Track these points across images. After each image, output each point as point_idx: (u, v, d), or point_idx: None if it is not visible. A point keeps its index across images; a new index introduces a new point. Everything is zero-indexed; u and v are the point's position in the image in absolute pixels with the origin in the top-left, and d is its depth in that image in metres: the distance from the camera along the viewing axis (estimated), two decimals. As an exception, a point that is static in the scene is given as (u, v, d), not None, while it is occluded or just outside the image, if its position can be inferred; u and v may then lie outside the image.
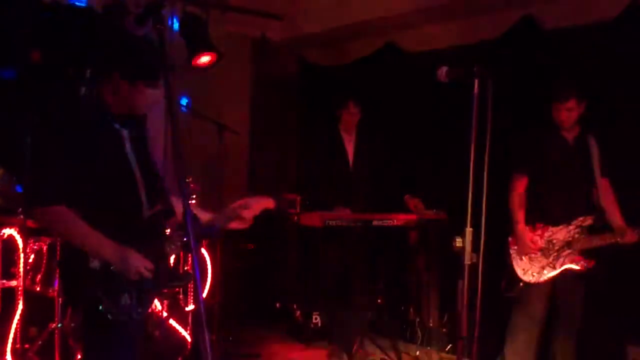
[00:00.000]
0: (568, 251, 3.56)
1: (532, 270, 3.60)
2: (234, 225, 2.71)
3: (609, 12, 3.95)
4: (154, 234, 2.47)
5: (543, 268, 3.59)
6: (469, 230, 2.59)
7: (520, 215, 3.64)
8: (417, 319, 4.91)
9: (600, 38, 4.03)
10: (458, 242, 2.82)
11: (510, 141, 3.80)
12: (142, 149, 2.51)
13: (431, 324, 4.86)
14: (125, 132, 2.44)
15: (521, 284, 3.61)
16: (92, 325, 2.38)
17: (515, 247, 3.65)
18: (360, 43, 5.62)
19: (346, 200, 4.48)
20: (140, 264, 2.33)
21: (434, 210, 4.38)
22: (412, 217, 4.33)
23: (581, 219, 3.57)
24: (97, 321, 2.33)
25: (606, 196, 3.63)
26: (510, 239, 3.68)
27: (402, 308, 5.05)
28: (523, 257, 3.63)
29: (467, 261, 2.57)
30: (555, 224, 3.61)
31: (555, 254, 3.58)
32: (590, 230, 3.57)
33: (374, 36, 5.43)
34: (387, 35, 5.32)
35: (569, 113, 3.57)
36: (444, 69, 2.75)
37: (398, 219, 4.28)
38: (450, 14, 4.79)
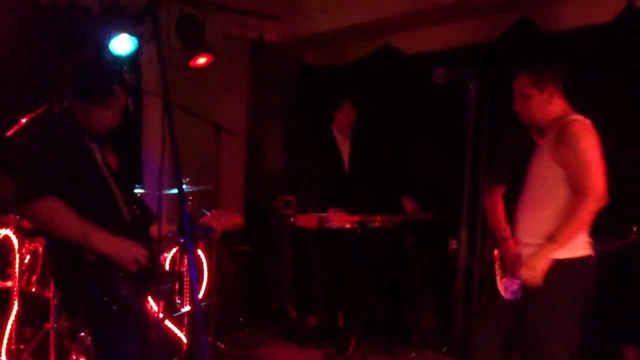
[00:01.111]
0: None
1: (513, 288, 3.25)
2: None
3: (606, 14, 3.97)
4: (139, 236, 2.51)
5: (516, 285, 3.25)
6: (464, 232, 2.58)
7: (507, 231, 3.29)
8: (413, 321, 4.91)
9: (597, 40, 4.05)
10: (453, 244, 2.83)
11: (491, 149, 3.60)
12: (108, 161, 2.64)
13: (427, 326, 4.87)
14: (94, 145, 2.55)
15: (500, 302, 3.29)
16: (96, 320, 2.40)
17: (499, 263, 3.32)
18: (358, 44, 5.63)
19: (341, 201, 4.48)
20: (135, 251, 2.37)
21: (431, 212, 4.38)
22: (408, 218, 4.34)
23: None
24: (100, 315, 2.36)
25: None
26: (496, 253, 3.36)
27: (398, 309, 5.05)
28: (507, 275, 3.28)
29: (461, 263, 2.56)
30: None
31: None
32: None
33: (371, 38, 5.44)
34: (385, 36, 5.33)
35: None
36: (441, 70, 2.74)
37: (394, 221, 4.28)
38: (448, 16, 4.80)
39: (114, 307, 2.34)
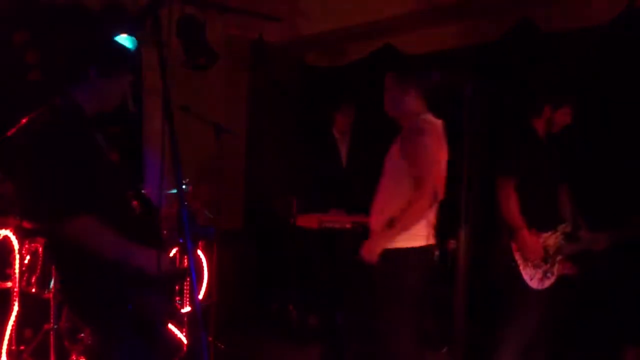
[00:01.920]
0: (559, 257, 3.49)
1: (537, 277, 3.45)
2: None
3: (607, 15, 3.97)
4: (149, 232, 2.47)
5: (545, 274, 3.47)
6: (462, 231, 2.60)
7: (522, 221, 3.42)
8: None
9: (597, 41, 4.05)
10: (452, 244, 2.84)
11: (504, 144, 3.57)
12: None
13: (427, 326, 4.86)
14: (100, 136, 2.45)
15: (531, 290, 3.42)
16: (120, 331, 2.33)
17: (519, 254, 3.44)
18: (358, 45, 5.63)
19: (341, 202, 4.48)
20: (169, 263, 2.34)
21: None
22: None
23: (563, 225, 3.51)
24: (128, 327, 2.30)
25: (567, 201, 3.61)
26: (513, 245, 3.44)
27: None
28: (529, 264, 3.44)
29: (461, 262, 2.58)
30: (544, 230, 3.48)
31: (551, 260, 3.48)
32: (569, 237, 3.52)
33: (372, 38, 5.44)
34: (385, 37, 5.33)
35: (565, 117, 3.51)
36: (436, 74, 2.79)
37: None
38: (448, 17, 4.80)
39: (153, 318, 2.30)
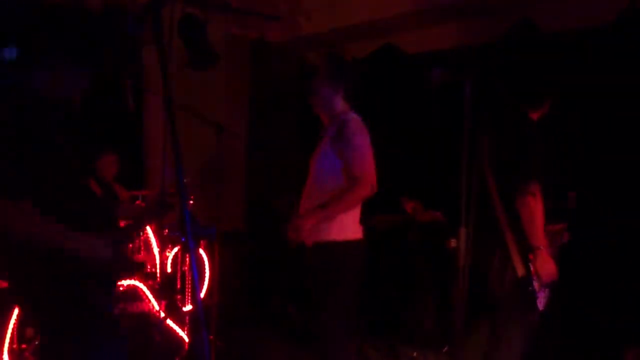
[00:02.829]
0: None
1: (543, 300, 3.10)
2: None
3: (608, 15, 3.97)
4: (104, 224, 2.38)
5: (545, 291, 3.12)
6: (462, 231, 2.59)
7: (545, 238, 3.04)
8: (414, 320, 4.92)
9: (599, 41, 4.06)
10: (452, 243, 2.83)
11: (529, 146, 3.15)
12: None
13: (428, 325, 4.87)
14: (57, 121, 2.31)
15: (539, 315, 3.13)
16: (91, 325, 2.26)
17: (536, 277, 3.04)
18: (359, 44, 5.64)
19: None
20: (110, 250, 2.25)
21: (431, 212, 4.39)
22: (409, 218, 4.34)
23: (549, 227, 3.15)
24: (96, 321, 2.26)
25: None
26: (531, 269, 3.03)
27: (399, 309, 5.06)
28: (543, 287, 3.09)
29: (461, 262, 2.57)
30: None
31: None
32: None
33: (372, 37, 5.44)
34: (385, 36, 5.34)
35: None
36: (437, 71, 2.77)
37: (395, 220, 4.29)
38: (449, 16, 4.81)
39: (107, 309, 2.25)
